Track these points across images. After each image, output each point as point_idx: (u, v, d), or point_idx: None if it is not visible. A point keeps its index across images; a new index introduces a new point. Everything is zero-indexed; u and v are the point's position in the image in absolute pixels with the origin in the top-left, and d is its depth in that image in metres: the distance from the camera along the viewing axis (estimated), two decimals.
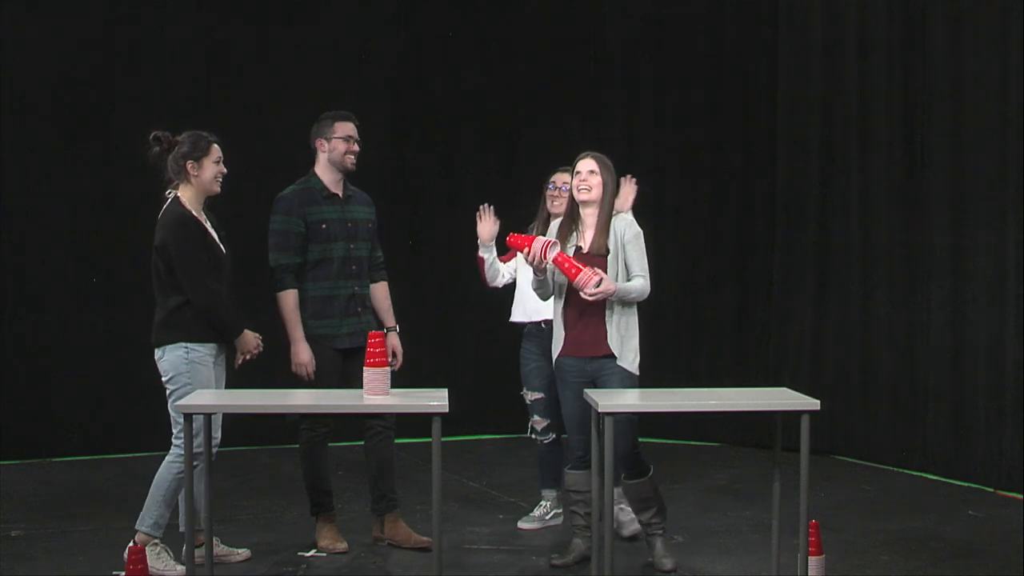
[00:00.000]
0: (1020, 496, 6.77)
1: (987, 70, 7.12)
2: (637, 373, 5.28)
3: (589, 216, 5.30)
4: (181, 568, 5.25)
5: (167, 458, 5.29)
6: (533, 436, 6.16)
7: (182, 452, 5.20)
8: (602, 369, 5.25)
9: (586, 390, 5.07)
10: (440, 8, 8.96)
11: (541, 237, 5.21)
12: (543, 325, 5.93)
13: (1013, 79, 6.92)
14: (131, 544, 5.12)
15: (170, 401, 5.28)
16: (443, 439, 4.61)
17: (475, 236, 6.03)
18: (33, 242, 7.90)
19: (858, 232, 7.96)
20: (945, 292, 7.38)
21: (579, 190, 5.25)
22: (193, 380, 5.22)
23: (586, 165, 5.28)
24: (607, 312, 5.23)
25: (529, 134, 8.98)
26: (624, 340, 5.25)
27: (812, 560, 4.78)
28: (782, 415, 5.09)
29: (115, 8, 8.11)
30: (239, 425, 7.38)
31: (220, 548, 5.40)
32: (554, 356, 5.34)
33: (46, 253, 7.92)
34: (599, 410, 4.72)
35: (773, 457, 5.14)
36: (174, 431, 5.29)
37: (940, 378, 7.41)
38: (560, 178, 5.94)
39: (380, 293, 5.89)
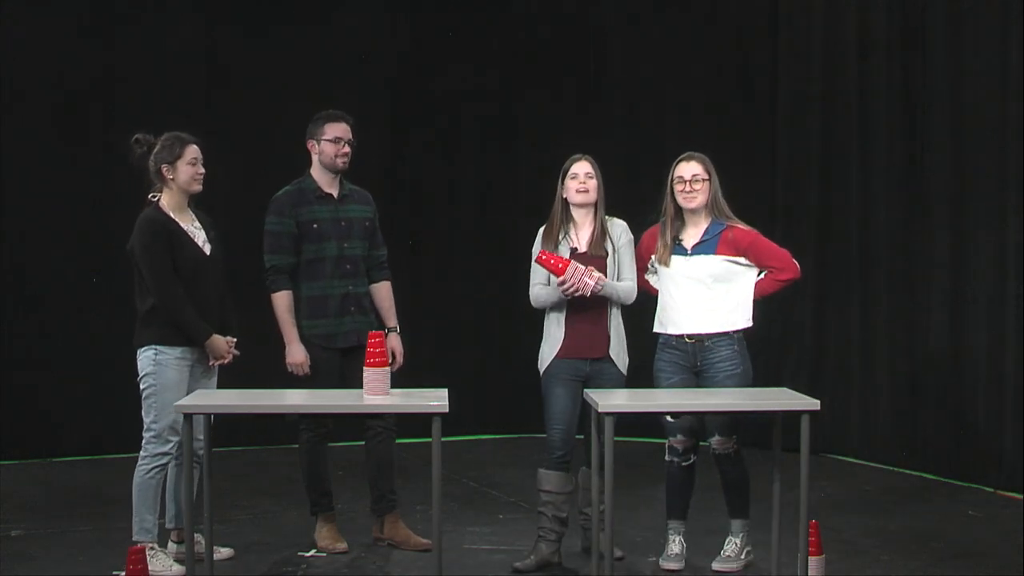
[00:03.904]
0: (1020, 496, 6.77)
1: (987, 70, 7.11)
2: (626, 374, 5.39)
3: (583, 217, 5.36)
4: (179, 568, 5.24)
5: (138, 461, 5.33)
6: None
7: (149, 453, 5.29)
8: (601, 372, 5.31)
9: (586, 390, 5.09)
10: (440, 8, 8.95)
11: (574, 263, 5.18)
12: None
13: (1013, 79, 6.91)
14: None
15: (142, 401, 5.33)
16: (443, 439, 4.61)
17: (473, 235, 6.00)
18: (33, 242, 7.89)
19: (858, 232, 7.96)
20: (945, 292, 7.37)
21: (578, 192, 5.32)
22: (158, 382, 5.27)
23: (583, 167, 5.36)
24: (609, 316, 5.31)
25: (529, 134, 8.97)
26: (620, 344, 5.35)
27: (812, 560, 4.78)
28: (782, 415, 5.09)
29: (115, 9, 8.11)
30: (239, 425, 7.40)
31: (200, 547, 5.23)
32: (548, 357, 5.32)
33: (46, 253, 7.91)
34: (599, 410, 4.73)
35: (773, 457, 5.14)
36: (143, 432, 5.33)
37: (940, 378, 7.40)
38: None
39: (382, 293, 5.86)
